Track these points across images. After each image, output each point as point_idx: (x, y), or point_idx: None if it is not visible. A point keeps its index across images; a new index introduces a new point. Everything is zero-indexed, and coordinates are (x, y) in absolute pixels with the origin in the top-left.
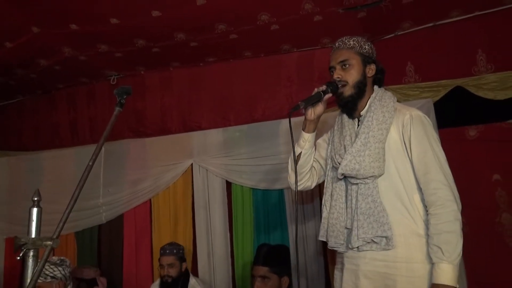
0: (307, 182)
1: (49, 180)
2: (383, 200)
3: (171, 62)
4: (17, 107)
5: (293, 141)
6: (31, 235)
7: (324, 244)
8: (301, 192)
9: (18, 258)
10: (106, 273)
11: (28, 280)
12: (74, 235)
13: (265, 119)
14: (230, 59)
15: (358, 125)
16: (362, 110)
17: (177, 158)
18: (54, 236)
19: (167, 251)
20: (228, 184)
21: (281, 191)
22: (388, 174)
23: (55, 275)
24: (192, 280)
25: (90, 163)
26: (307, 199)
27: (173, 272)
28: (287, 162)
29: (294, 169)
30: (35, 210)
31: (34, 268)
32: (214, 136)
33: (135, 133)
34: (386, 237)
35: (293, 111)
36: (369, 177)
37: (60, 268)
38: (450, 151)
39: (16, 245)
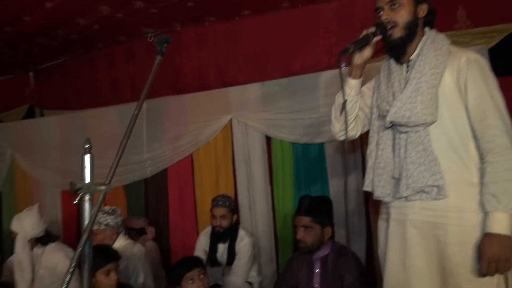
0: (351, 131)
1: (93, 137)
2: (435, 149)
3: (206, 17)
4: (61, 68)
5: (342, 84)
6: (85, 180)
7: (366, 196)
8: (342, 143)
9: (75, 202)
10: (154, 223)
11: (86, 222)
12: (123, 188)
13: (304, 72)
14: (266, 11)
15: (407, 70)
16: (412, 54)
17: (215, 114)
18: (107, 182)
19: (220, 203)
20: (268, 139)
21: (321, 145)
22: (441, 121)
23: (108, 223)
24: (242, 232)
25: (136, 112)
26: (348, 150)
27: (225, 223)
28: (328, 116)
29: (338, 118)
30: (87, 156)
31: (90, 211)
32: (252, 90)
33: (174, 90)
34: (437, 186)
35: (342, 55)
36: (421, 124)
37: (112, 217)
38: (506, 102)
39: (72, 190)
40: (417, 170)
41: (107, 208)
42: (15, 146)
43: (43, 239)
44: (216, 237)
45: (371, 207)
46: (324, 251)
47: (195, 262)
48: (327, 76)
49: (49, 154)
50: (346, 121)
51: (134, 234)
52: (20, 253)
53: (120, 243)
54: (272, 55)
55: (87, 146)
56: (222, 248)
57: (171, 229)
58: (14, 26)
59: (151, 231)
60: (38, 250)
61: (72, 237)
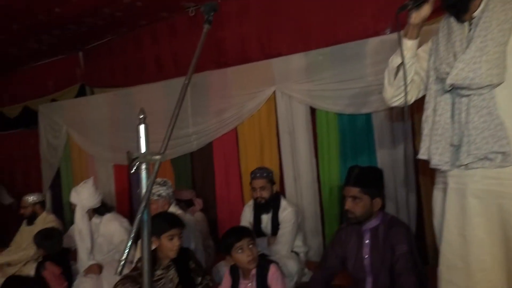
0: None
1: None
2: (501, 112)
3: None
4: (108, 46)
5: (400, 42)
6: (140, 150)
7: (416, 166)
8: (391, 110)
9: (132, 171)
10: (200, 195)
11: (143, 190)
12: (170, 162)
13: (349, 40)
14: None
15: (469, 29)
16: (475, 11)
17: (259, 86)
18: (161, 151)
19: (258, 175)
20: (312, 110)
21: (368, 115)
22: (509, 82)
23: (161, 193)
24: (284, 202)
25: (186, 81)
26: (398, 119)
27: (265, 194)
28: (376, 85)
29: (392, 82)
30: (142, 126)
31: (147, 180)
32: (296, 61)
33: (217, 63)
34: (503, 153)
35: (400, 12)
36: (485, 86)
37: (164, 188)
38: None
39: (129, 159)
40: (480, 136)
41: (158, 179)
42: (70, 124)
43: (100, 210)
44: (259, 209)
45: (422, 177)
46: (374, 222)
47: (244, 232)
48: (374, 42)
49: (100, 131)
50: (405, 83)
51: (183, 205)
52: (80, 223)
53: (172, 212)
54: (316, 23)
55: (141, 116)
56: (265, 219)
57: (218, 201)
58: (62, 7)
59: (198, 203)
60: (96, 220)
61: (125, 208)
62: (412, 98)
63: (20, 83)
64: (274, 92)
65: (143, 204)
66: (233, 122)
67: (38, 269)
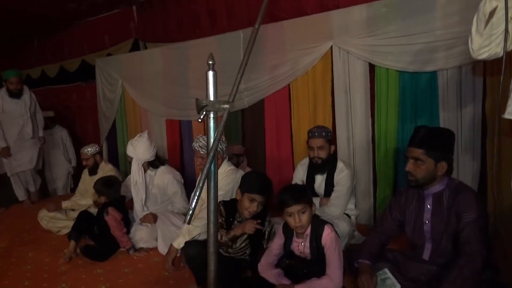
0: (496, 47)
1: (193, 68)
2: None
3: None
4: (161, 0)
5: None
6: (209, 97)
7: (483, 130)
8: (459, 69)
9: (200, 120)
10: (250, 151)
11: (211, 140)
12: (221, 118)
13: None
14: None
15: None
16: None
17: (315, 41)
18: (230, 100)
19: (316, 134)
20: (371, 67)
21: (433, 74)
22: None
23: None
24: (340, 164)
25: (256, 26)
26: (467, 80)
27: (322, 154)
28: (445, 39)
29: (481, 31)
30: (211, 73)
31: (214, 130)
32: (356, 13)
33: (271, 17)
34: None
35: None
36: None
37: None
38: None
39: (198, 107)
40: None
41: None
42: (125, 78)
43: (154, 163)
44: (313, 168)
45: (489, 142)
46: (438, 187)
47: (297, 197)
48: None
49: (154, 85)
50: (506, 27)
51: (235, 159)
52: (136, 175)
53: (224, 168)
54: None
55: (210, 62)
56: (319, 179)
57: (267, 158)
58: None
59: (246, 159)
60: (150, 172)
61: (176, 161)
62: (501, 50)
63: (78, 37)
64: (331, 48)
65: (211, 154)
66: (286, 78)
67: (101, 214)
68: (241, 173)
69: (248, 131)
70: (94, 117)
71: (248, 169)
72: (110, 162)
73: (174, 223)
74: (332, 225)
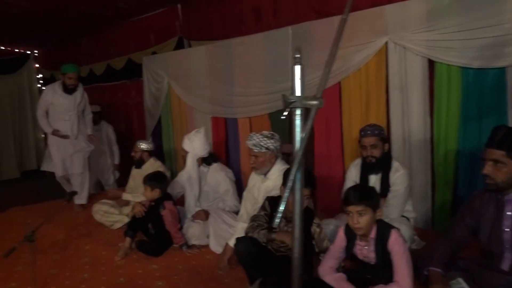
0: None
1: (239, 65)
2: None
3: None
4: None
5: None
6: (296, 93)
7: None
8: None
9: (283, 117)
10: None
11: (297, 138)
12: (268, 116)
13: None
14: None
15: None
16: None
17: (369, 37)
18: (318, 95)
19: (368, 132)
20: (431, 63)
21: (501, 70)
22: None
23: (269, 146)
24: (396, 163)
25: (344, 17)
26: None
27: (376, 152)
28: None
29: None
30: (297, 67)
31: (302, 128)
32: (415, 7)
33: (319, 13)
34: None
35: None
36: None
37: (272, 141)
38: None
39: (285, 103)
40: None
41: (265, 132)
42: (171, 75)
43: (208, 160)
44: (367, 168)
45: None
46: None
47: (358, 197)
48: None
49: (199, 82)
50: None
51: (285, 158)
52: (191, 169)
53: (278, 167)
54: None
55: (297, 55)
56: (373, 179)
57: (316, 157)
58: None
59: None
60: (203, 168)
61: (222, 159)
62: None
63: (124, 36)
64: (386, 43)
65: (299, 153)
66: (337, 76)
67: (157, 208)
68: None
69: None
70: (139, 114)
71: None
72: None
73: (226, 221)
74: (399, 229)
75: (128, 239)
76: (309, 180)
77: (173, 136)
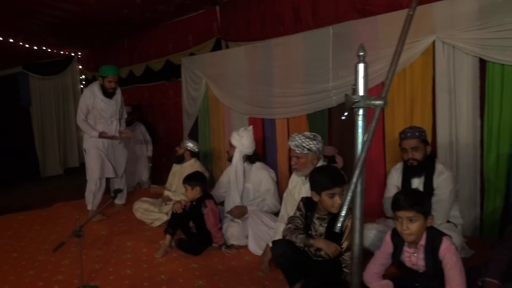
0: None
1: (278, 66)
2: None
3: None
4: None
5: None
6: (359, 92)
7: None
8: None
9: (343, 117)
10: (338, 153)
11: (359, 140)
12: (306, 117)
13: None
14: None
15: None
16: None
17: (415, 36)
18: (383, 95)
19: (409, 134)
20: (482, 63)
21: None
22: None
23: (311, 147)
24: (439, 165)
25: (411, 13)
26: None
27: (418, 155)
28: None
29: None
30: (361, 66)
31: (363, 129)
32: (465, 4)
33: (361, 13)
34: None
35: None
36: None
37: (314, 142)
38: None
39: (348, 103)
40: None
41: (308, 133)
42: (209, 76)
43: (252, 158)
44: (409, 172)
45: None
46: None
47: (412, 203)
48: None
49: (237, 83)
50: None
51: (326, 160)
52: (236, 164)
53: None
54: None
55: (361, 53)
56: (416, 183)
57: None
58: None
59: (340, 160)
60: (247, 166)
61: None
62: None
63: (163, 38)
64: (433, 42)
65: (362, 156)
66: (379, 76)
67: (198, 207)
68: None
69: (335, 132)
70: (176, 114)
71: None
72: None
73: (265, 223)
74: (450, 237)
75: (168, 237)
76: (339, 177)
77: (209, 136)
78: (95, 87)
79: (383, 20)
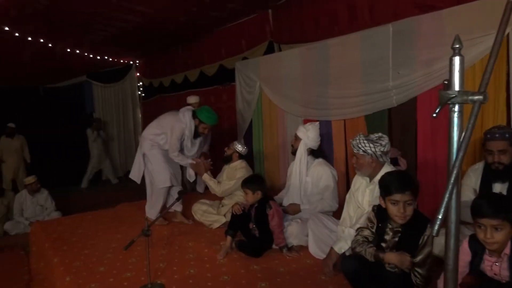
0: None
1: (334, 67)
2: None
3: None
4: (297, 0)
5: None
6: (454, 87)
7: None
8: None
9: (434, 115)
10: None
11: (454, 139)
12: (364, 118)
13: None
14: None
15: None
16: None
17: (485, 29)
18: (482, 89)
19: (497, 135)
20: None
21: None
22: None
23: (366, 150)
24: None
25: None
26: None
27: (505, 158)
28: None
29: None
30: (457, 59)
31: (459, 127)
32: None
33: (421, 8)
34: None
35: None
36: None
37: (372, 145)
38: None
39: (443, 99)
40: None
41: (373, 135)
42: (263, 79)
43: (315, 153)
44: (491, 175)
45: None
46: None
47: (497, 209)
48: None
49: (291, 85)
50: None
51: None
52: (301, 156)
53: (384, 171)
54: None
55: (456, 46)
56: (498, 188)
57: (419, 161)
58: None
59: (403, 163)
60: (310, 160)
61: None
62: None
63: (216, 43)
64: (507, 36)
65: (460, 155)
66: (444, 74)
67: (262, 209)
68: None
69: (395, 133)
70: (230, 117)
71: None
72: (245, 159)
73: (327, 226)
74: None
75: (229, 238)
76: (411, 183)
77: (262, 139)
78: (186, 129)
79: (450, 14)
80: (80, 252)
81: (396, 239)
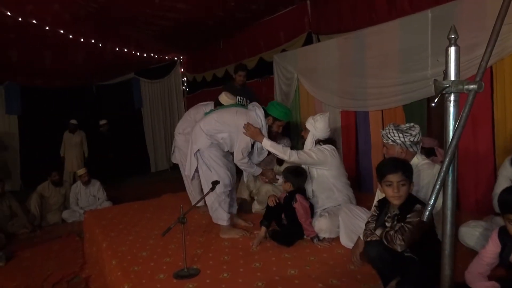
0: None
1: (371, 56)
2: None
3: None
4: None
5: None
6: (450, 77)
7: None
8: None
9: (433, 104)
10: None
11: (450, 128)
12: (402, 108)
13: None
14: None
15: None
16: None
17: None
18: (477, 78)
19: None
20: None
21: None
22: None
23: (395, 140)
24: None
25: None
26: None
27: None
28: None
29: None
30: (452, 49)
31: (455, 115)
32: None
33: None
34: None
35: None
36: None
37: (401, 135)
38: None
39: (437, 89)
40: None
41: (403, 125)
42: (301, 71)
43: (326, 142)
44: None
45: None
46: None
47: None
48: None
49: (329, 76)
50: None
51: (424, 153)
52: (308, 146)
53: (416, 162)
54: None
55: (452, 36)
56: None
57: (460, 151)
58: None
59: (440, 153)
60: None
61: (351, 154)
62: None
63: (256, 37)
64: None
65: (453, 144)
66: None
67: (290, 201)
68: (437, 168)
69: (435, 122)
70: None
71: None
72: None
73: (358, 216)
74: None
75: (263, 229)
76: (403, 165)
77: (300, 130)
78: (263, 129)
79: None
80: (126, 238)
81: (395, 223)
